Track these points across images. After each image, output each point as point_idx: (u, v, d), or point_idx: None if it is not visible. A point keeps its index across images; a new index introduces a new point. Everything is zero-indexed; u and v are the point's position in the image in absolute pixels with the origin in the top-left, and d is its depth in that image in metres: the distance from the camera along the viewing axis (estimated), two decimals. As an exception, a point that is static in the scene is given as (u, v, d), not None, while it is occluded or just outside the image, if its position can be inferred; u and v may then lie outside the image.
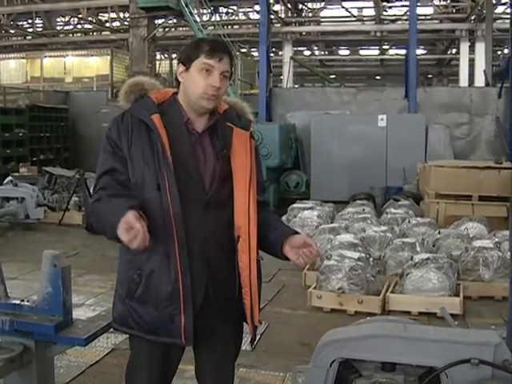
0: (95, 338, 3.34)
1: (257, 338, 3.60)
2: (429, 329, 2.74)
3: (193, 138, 2.69)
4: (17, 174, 13.29)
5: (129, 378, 2.87)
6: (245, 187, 2.69)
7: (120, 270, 2.77)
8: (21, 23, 30.62)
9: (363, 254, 6.80)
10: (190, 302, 2.58)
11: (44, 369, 3.36)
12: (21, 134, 16.91)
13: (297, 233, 2.79)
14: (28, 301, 3.39)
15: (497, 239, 7.62)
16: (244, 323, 2.87)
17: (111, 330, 3.01)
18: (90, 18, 27.70)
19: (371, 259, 6.91)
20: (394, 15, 26.54)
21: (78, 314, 5.86)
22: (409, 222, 9.13)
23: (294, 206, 10.98)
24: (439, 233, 8.15)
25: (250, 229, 2.68)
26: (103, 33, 28.81)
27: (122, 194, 2.57)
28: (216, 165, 2.69)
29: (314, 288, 6.63)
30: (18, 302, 3.39)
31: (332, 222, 9.78)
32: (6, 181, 11.91)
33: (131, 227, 2.33)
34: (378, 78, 35.34)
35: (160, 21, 19.04)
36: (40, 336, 3.23)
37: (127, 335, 2.84)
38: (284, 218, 10.38)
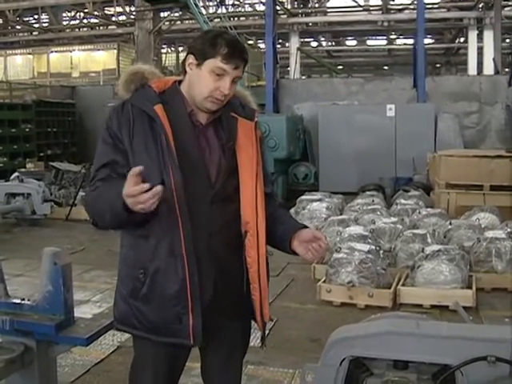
0: (98, 338, 3.26)
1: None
2: (442, 325, 2.63)
3: (197, 130, 2.58)
4: (23, 169, 13.25)
5: (133, 379, 2.77)
6: (251, 180, 2.59)
7: (122, 268, 2.66)
8: (27, 19, 30.65)
9: (373, 247, 6.70)
10: (198, 300, 2.48)
11: (46, 369, 3.29)
12: (27, 130, 16.91)
13: (305, 227, 2.70)
14: (28, 300, 3.31)
15: (509, 229, 7.49)
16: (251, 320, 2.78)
17: (116, 327, 2.93)
18: (95, 13, 27.64)
19: (381, 251, 6.81)
20: (401, 4, 26.33)
21: (83, 310, 5.88)
22: (419, 212, 9.02)
23: (303, 197, 10.89)
24: (450, 224, 8.03)
25: (259, 224, 2.59)
26: (109, 27, 28.77)
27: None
28: (221, 157, 2.59)
29: (324, 282, 6.53)
30: (18, 301, 3.31)
31: (341, 214, 9.69)
32: (12, 177, 11.87)
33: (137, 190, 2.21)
34: (385, 68, 35.17)
35: (165, 14, 18.97)
36: (41, 336, 3.15)
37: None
38: (293, 210, 10.30)
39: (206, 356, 2.80)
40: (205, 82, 2.50)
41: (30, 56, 25.80)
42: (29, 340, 3.17)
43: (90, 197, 2.57)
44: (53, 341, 3.19)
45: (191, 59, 2.53)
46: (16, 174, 12.03)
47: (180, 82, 2.64)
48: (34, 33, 29.52)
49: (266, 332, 2.83)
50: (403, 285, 6.43)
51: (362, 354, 2.51)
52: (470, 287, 6.29)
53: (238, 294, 2.63)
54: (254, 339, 4.40)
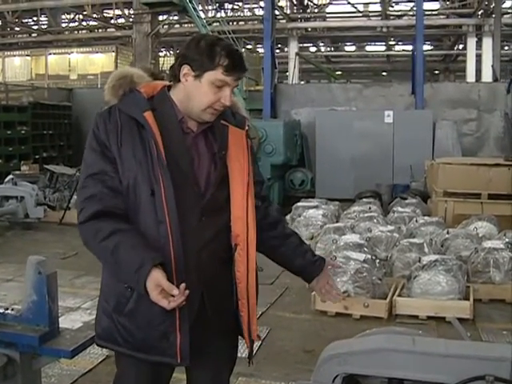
0: (83, 350, 3.17)
1: (255, 349, 3.42)
2: (439, 342, 2.55)
3: (187, 138, 2.47)
4: (18, 172, 13.13)
5: None
6: (242, 191, 2.49)
7: (106, 282, 2.55)
8: (26, 20, 30.66)
9: (369, 256, 6.62)
10: (186, 317, 2.37)
11: (30, 381, 3.20)
12: (23, 132, 16.78)
13: (323, 260, 2.85)
14: (12, 309, 3.22)
15: (507, 239, 7.45)
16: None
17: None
18: (94, 15, 27.62)
19: (377, 261, 6.74)
20: (400, 11, 26.36)
21: (73, 318, 5.80)
22: (416, 221, 8.95)
23: (299, 204, 10.82)
24: (448, 232, 7.96)
25: (249, 237, 2.50)
26: (108, 30, 28.75)
27: (125, 228, 2.35)
28: (211, 167, 2.48)
29: (319, 291, 6.43)
30: (1, 310, 3.21)
31: (337, 221, 9.63)
32: (6, 179, 11.77)
33: (164, 290, 2.20)
34: (384, 74, 35.19)
35: (164, 17, 18.92)
36: (24, 347, 3.06)
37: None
38: (288, 216, 10.23)
39: (191, 372, 2.69)
40: (205, 95, 2.39)
41: (28, 58, 25.78)
42: (12, 351, 3.08)
43: (87, 230, 2.43)
44: (37, 353, 3.10)
45: (187, 70, 2.40)
46: (10, 176, 11.93)
47: (169, 87, 2.53)
48: (33, 34, 29.55)
49: (259, 343, 2.73)
50: (399, 295, 6.35)
51: (355, 371, 2.45)
52: (467, 298, 6.22)
53: (226, 310, 2.54)
54: (245, 352, 4.30)
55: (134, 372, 2.53)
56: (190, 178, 2.43)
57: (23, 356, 3.10)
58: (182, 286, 2.20)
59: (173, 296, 2.19)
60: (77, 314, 6.08)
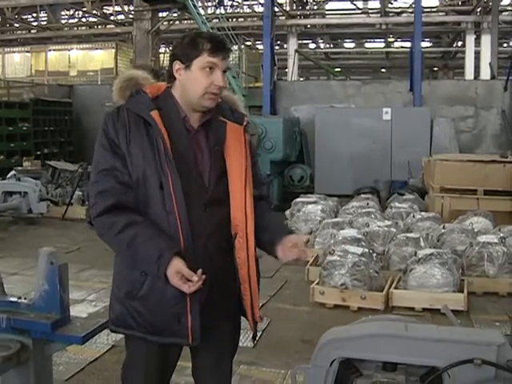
0: (93, 336, 3.28)
1: (258, 335, 3.56)
2: (431, 328, 2.67)
3: (190, 135, 2.63)
4: (20, 168, 13.24)
5: (125, 378, 2.81)
6: (240, 184, 2.65)
7: (119, 270, 2.69)
8: (25, 17, 30.64)
9: (366, 250, 6.74)
10: (197, 300, 2.52)
11: (42, 367, 3.31)
12: (25, 128, 16.88)
13: (291, 232, 2.79)
14: (25, 298, 3.35)
15: (502, 234, 7.55)
16: (243, 320, 2.84)
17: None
18: (94, 12, 27.64)
19: (374, 255, 6.85)
20: (400, 8, 26.39)
21: (78, 309, 5.91)
22: (413, 216, 9.07)
23: (298, 200, 10.88)
24: (444, 227, 8.07)
25: (248, 226, 2.65)
26: (108, 26, 28.77)
27: (138, 220, 2.51)
28: (212, 161, 2.64)
29: (317, 284, 6.57)
30: (15, 299, 3.34)
31: (336, 217, 9.73)
32: (9, 175, 11.87)
33: (185, 276, 2.39)
34: (383, 70, 35.19)
35: (164, 14, 18.98)
36: (37, 334, 3.18)
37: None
38: (287, 212, 10.33)
39: (196, 355, 2.85)
40: (198, 81, 2.56)
41: (28, 54, 25.74)
42: (25, 338, 3.19)
43: (103, 225, 2.56)
44: (49, 339, 3.22)
45: (178, 65, 2.60)
46: (13, 172, 12.03)
47: (171, 87, 2.69)
48: (33, 31, 29.53)
49: (259, 332, 2.88)
50: (396, 288, 6.46)
51: (351, 355, 2.54)
52: (461, 291, 6.33)
53: (230, 295, 2.69)
54: (247, 340, 4.46)
55: (144, 355, 2.69)
56: (194, 172, 2.60)
57: (36, 342, 3.21)
58: (199, 271, 2.38)
59: (190, 281, 2.37)
60: (82, 305, 6.24)
